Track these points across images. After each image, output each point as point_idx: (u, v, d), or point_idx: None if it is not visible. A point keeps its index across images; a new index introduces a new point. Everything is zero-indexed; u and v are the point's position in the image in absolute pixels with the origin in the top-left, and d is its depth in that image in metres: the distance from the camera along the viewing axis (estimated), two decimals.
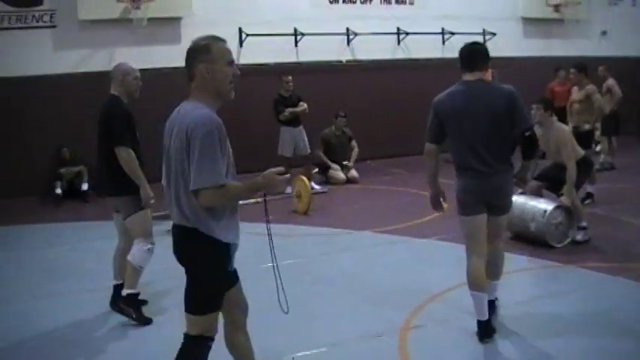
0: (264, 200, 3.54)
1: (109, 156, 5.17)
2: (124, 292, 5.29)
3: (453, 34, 14.57)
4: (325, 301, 5.71)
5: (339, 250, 7.33)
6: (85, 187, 11.12)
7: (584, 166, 7.19)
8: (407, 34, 14.41)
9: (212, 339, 3.38)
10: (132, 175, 5.14)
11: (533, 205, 6.92)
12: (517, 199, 6.69)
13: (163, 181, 3.42)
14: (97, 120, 5.31)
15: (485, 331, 4.58)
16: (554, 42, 16.21)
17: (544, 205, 6.87)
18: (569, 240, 6.89)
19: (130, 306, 5.27)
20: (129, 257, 5.29)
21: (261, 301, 5.70)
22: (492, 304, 4.83)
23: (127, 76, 5.32)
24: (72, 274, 6.70)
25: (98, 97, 5.52)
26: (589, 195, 8.94)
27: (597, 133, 11.39)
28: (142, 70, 5.49)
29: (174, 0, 12.15)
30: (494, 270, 4.80)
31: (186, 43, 3.34)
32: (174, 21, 12.24)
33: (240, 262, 6.57)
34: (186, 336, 3.35)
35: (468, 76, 4.58)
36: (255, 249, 7.49)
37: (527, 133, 4.55)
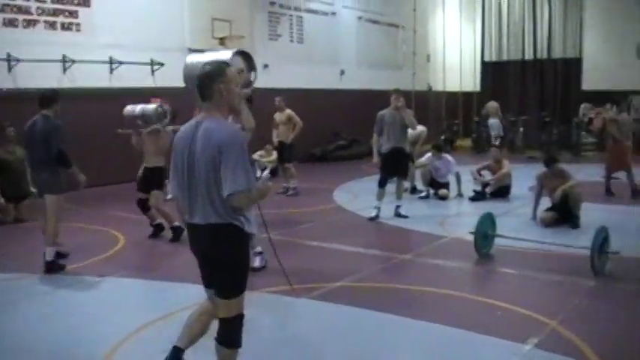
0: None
1: None
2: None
3: (121, 63, 14.39)
4: None
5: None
6: None
7: None
8: (73, 62, 13.84)
9: (243, 315, 4.03)
10: None
11: None
12: None
13: (177, 191, 3.93)
14: None
15: None
16: None
17: None
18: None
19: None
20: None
21: None
22: None
23: None
24: None
25: None
26: None
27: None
28: None
29: None
30: None
31: None
32: None
33: None
34: (226, 320, 3.95)
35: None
36: None
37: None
